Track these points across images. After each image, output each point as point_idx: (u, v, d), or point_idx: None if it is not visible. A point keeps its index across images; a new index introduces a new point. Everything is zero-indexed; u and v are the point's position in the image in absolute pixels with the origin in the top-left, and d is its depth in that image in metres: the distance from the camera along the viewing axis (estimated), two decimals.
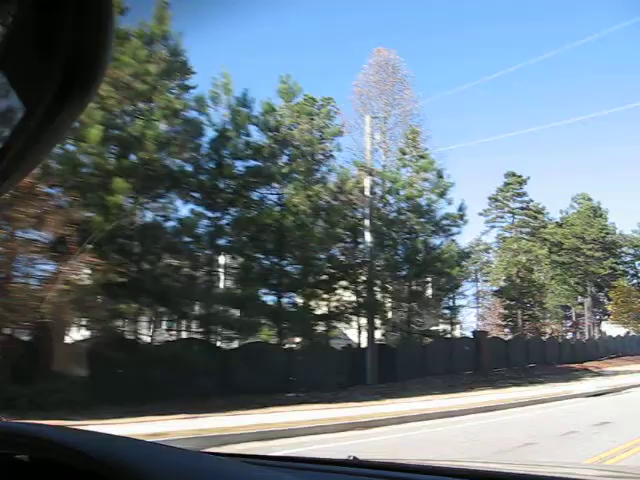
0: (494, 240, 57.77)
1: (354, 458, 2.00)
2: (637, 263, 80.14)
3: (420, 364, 30.13)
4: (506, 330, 58.05)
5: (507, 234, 57.46)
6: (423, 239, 31.44)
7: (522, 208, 58.16)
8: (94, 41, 0.59)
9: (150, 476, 1.02)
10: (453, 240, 33.32)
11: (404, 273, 30.88)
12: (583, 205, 62.28)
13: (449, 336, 36.28)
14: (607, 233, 59.55)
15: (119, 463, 1.06)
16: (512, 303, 57.00)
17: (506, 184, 58.10)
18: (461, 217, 33.49)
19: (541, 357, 43.40)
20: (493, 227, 57.89)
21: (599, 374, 41.35)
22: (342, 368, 26.29)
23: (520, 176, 58.27)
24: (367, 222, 28.91)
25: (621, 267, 62.63)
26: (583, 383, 30.48)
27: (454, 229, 33.38)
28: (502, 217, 58.24)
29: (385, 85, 41.83)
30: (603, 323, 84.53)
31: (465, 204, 33.35)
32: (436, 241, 33.22)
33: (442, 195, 32.74)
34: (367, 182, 29.57)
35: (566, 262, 59.56)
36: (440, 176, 33.11)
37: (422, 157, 33.87)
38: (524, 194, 58.18)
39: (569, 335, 71.38)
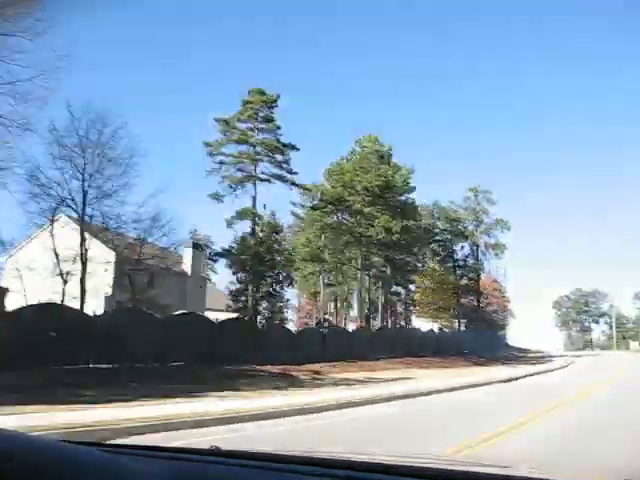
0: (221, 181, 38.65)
1: (216, 448, 1.98)
2: (464, 245, 64.43)
3: None
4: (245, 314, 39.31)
5: (241, 174, 38.63)
6: None
7: (272, 139, 39.65)
8: None
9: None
10: None
11: None
12: (367, 148, 44.78)
13: None
14: (388, 183, 41.95)
15: None
16: (245, 276, 38.55)
17: (246, 103, 39.37)
18: None
19: (207, 352, 24.77)
20: (222, 164, 38.84)
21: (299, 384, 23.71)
22: None
23: (271, 95, 39.86)
24: None
25: (405, 232, 45.46)
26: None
27: None
28: (246, 153, 39.37)
29: None
30: (414, 317, 68.68)
31: None
32: None
33: None
34: None
35: (332, 224, 41.66)
36: None
37: None
38: (271, 119, 39.67)
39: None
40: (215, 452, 1.91)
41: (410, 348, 42.00)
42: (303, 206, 45.80)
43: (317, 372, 27.80)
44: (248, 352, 26.87)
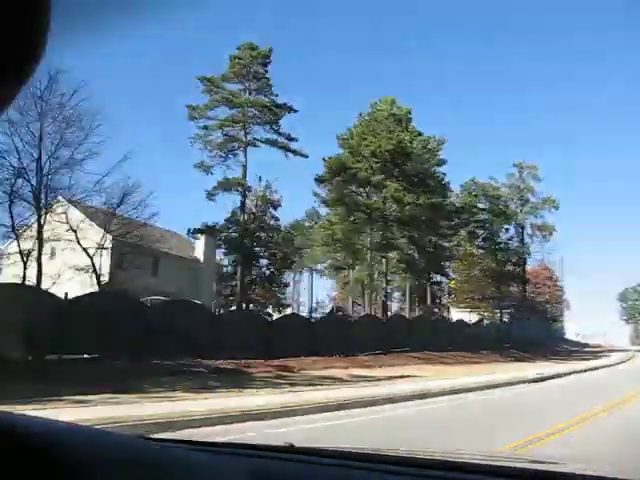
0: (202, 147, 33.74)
1: (291, 445, 1.96)
2: (508, 227, 57.55)
3: None
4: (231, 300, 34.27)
5: (226, 139, 33.72)
6: None
7: (264, 100, 34.56)
8: (28, 26, 0.52)
9: (87, 460, 1.03)
10: None
11: None
12: (382, 112, 38.98)
13: None
14: (403, 149, 35.99)
15: (57, 448, 1.04)
16: (234, 257, 33.78)
17: (233, 59, 34.37)
18: None
19: (138, 343, 19.85)
20: (206, 128, 33.94)
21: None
22: None
23: (263, 50, 34.79)
24: None
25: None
26: None
27: None
28: (235, 116, 34.40)
29: None
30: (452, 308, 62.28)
31: None
32: None
33: None
34: None
35: (340, 198, 36.13)
36: None
37: None
38: (263, 76, 34.57)
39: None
40: (291, 449, 1.90)
41: (433, 341, 36.25)
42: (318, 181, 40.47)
43: (287, 368, 22.57)
44: (200, 343, 21.89)
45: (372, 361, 29.27)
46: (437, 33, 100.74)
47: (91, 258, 28.36)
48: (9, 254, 29.52)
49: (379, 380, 21.37)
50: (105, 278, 31.65)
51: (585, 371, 29.59)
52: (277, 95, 34.89)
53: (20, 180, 25.54)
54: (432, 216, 41.91)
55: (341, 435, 9.42)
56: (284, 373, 21.49)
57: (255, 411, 11.41)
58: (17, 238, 27.33)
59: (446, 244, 50.99)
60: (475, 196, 53.09)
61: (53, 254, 36.69)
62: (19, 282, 22.26)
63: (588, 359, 44.94)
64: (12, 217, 26.66)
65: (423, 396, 16.41)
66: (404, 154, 35.95)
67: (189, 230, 33.49)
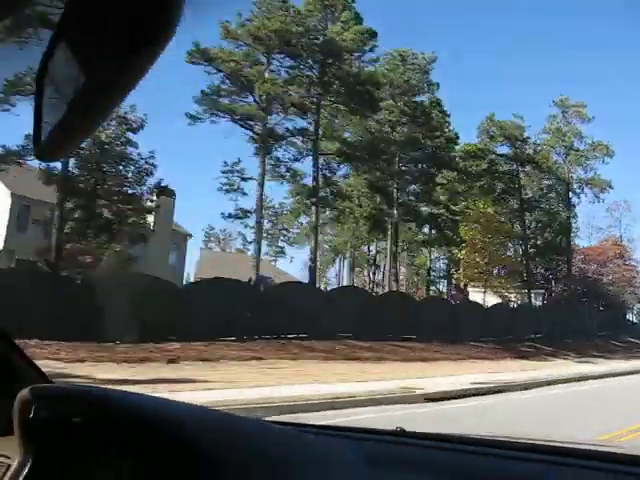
0: None
1: (401, 429, 1.89)
2: (546, 181, 43.77)
3: None
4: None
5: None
6: None
7: None
8: None
9: (217, 445, 1.09)
10: None
11: None
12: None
13: None
14: (331, 43, 23.71)
15: (178, 426, 1.10)
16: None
17: None
18: None
19: None
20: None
21: None
22: None
23: None
24: None
25: None
26: None
27: None
28: None
29: None
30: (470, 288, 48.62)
31: None
32: None
33: None
34: None
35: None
36: None
37: None
38: None
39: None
40: (401, 433, 1.85)
41: (379, 326, 24.58)
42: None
43: None
44: None
45: (209, 351, 17.93)
46: None
47: None
48: None
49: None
50: None
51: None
52: None
53: None
54: (402, 152, 29.76)
55: None
56: None
57: None
58: None
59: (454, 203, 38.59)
60: (492, 137, 39.80)
61: None
62: None
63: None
64: None
65: None
66: (326, 49, 23.75)
67: None
